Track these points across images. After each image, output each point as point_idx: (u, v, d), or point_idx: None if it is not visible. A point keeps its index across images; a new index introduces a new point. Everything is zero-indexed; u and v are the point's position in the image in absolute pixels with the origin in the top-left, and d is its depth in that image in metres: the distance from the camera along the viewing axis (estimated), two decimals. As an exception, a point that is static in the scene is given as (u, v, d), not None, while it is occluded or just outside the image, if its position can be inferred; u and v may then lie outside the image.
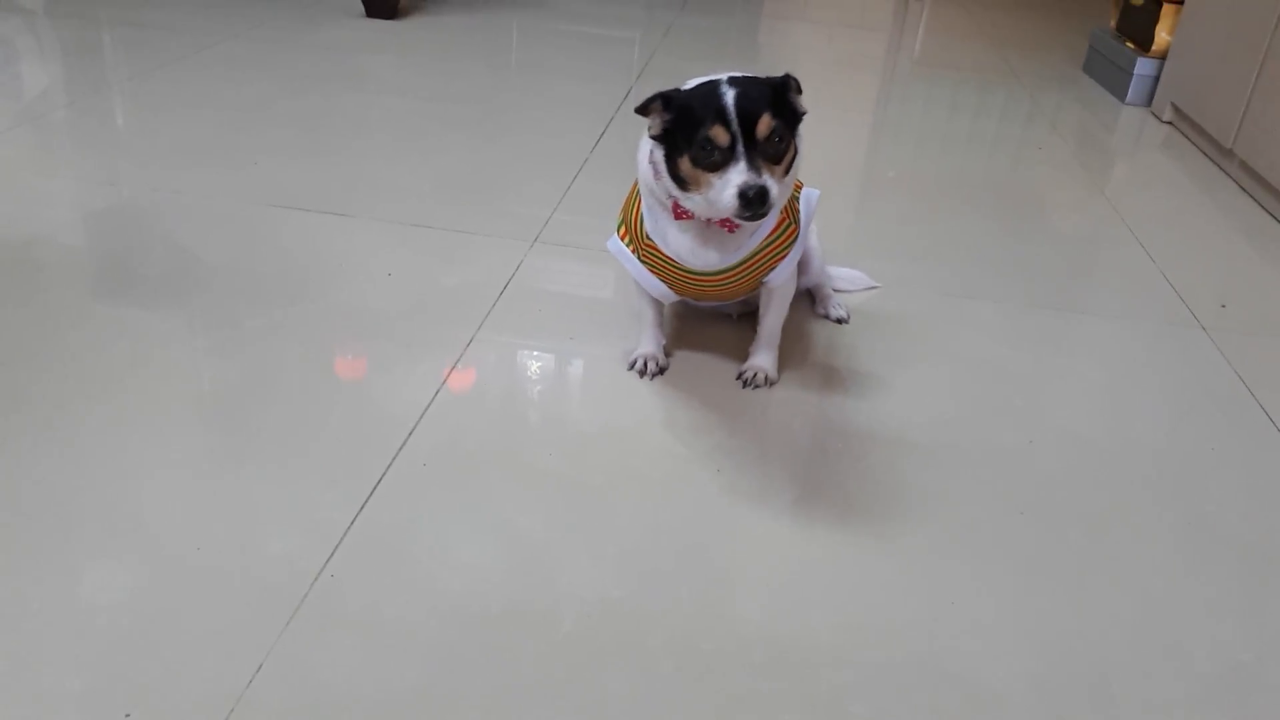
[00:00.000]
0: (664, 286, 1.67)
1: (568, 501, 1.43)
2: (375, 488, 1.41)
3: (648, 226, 1.61)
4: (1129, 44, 3.71)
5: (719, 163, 1.40)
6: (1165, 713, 1.16)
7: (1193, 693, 1.19)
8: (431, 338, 1.79)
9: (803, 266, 1.91)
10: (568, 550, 1.34)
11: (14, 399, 1.55)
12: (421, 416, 1.57)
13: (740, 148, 1.39)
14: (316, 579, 1.25)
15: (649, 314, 1.74)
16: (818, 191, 1.69)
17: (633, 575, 1.30)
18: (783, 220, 1.59)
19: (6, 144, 2.51)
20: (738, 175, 1.38)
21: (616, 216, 1.71)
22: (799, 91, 1.47)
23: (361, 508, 1.37)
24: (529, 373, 1.74)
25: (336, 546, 1.30)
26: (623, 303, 1.92)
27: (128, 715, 1.07)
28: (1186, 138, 3.29)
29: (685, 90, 1.46)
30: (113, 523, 1.33)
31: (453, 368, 1.70)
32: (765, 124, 1.39)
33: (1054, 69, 4.12)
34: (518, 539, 1.35)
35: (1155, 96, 3.54)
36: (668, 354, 1.77)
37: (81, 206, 2.21)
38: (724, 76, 1.44)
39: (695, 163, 1.41)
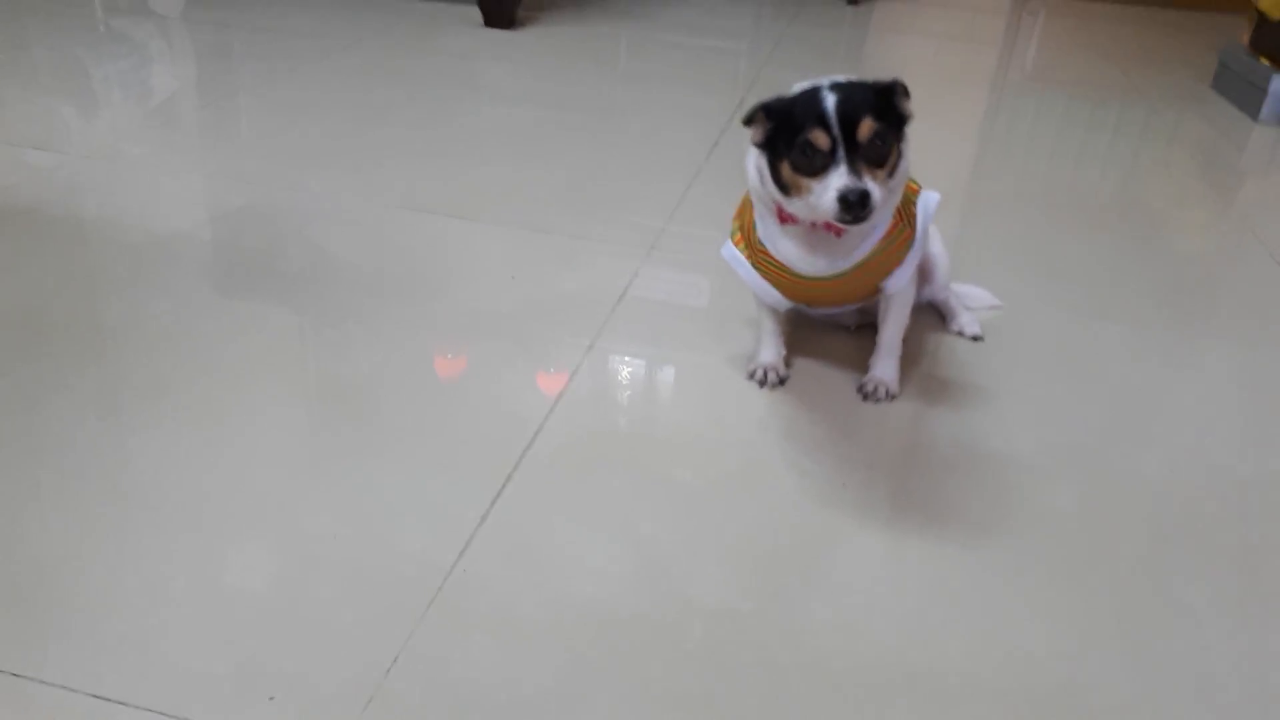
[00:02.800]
0: (777, 293, 1.66)
1: (692, 510, 1.42)
2: (504, 486, 1.43)
3: (759, 232, 1.60)
4: (1264, 60, 3.57)
5: (819, 167, 1.39)
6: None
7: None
8: (553, 340, 1.81)
9: (926, 276, 1.88)
10: (695, 559, 1.33)
11: (157, 387, 1.61)
12: (546, 419, 1.58)
13: (840, 151, 1.38)
14: (449, 574, 1.27)
15: (768, 323, 1.73)
16: (938, 195, 1.66)
17: (761, 589, 1.29)
18: (896, 224, 1.56)
19: (144, 143, 2.61)
20: (838, 179, 1.37)
21: (731, 224, 1.71)
22: (906, 95, 1.45)
23: (491, 505, 1.39)
24: (648, 379, 1.75)
25: (468, 542, 1.32)
26: (737, 311, 1.91)
27: (272, 698, 1.09)
28: (1325, 159, 3.14)
29: (787, 97, 1.46)
30: (252, 510, 1.37)
31: (575, 370, 1.71)
32: (867, 127, 1.38)
33: (1179, 86, 3.99)
34: (644, 544, 1.35)
35: (1291, 116, 3.40)
36: (788, 364, 1.76)
37: (218, 203, 2.29)
38: (827, 81, 1.43)
39: (796, 168, 1.42)
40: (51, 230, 2.08)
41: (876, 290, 1.66)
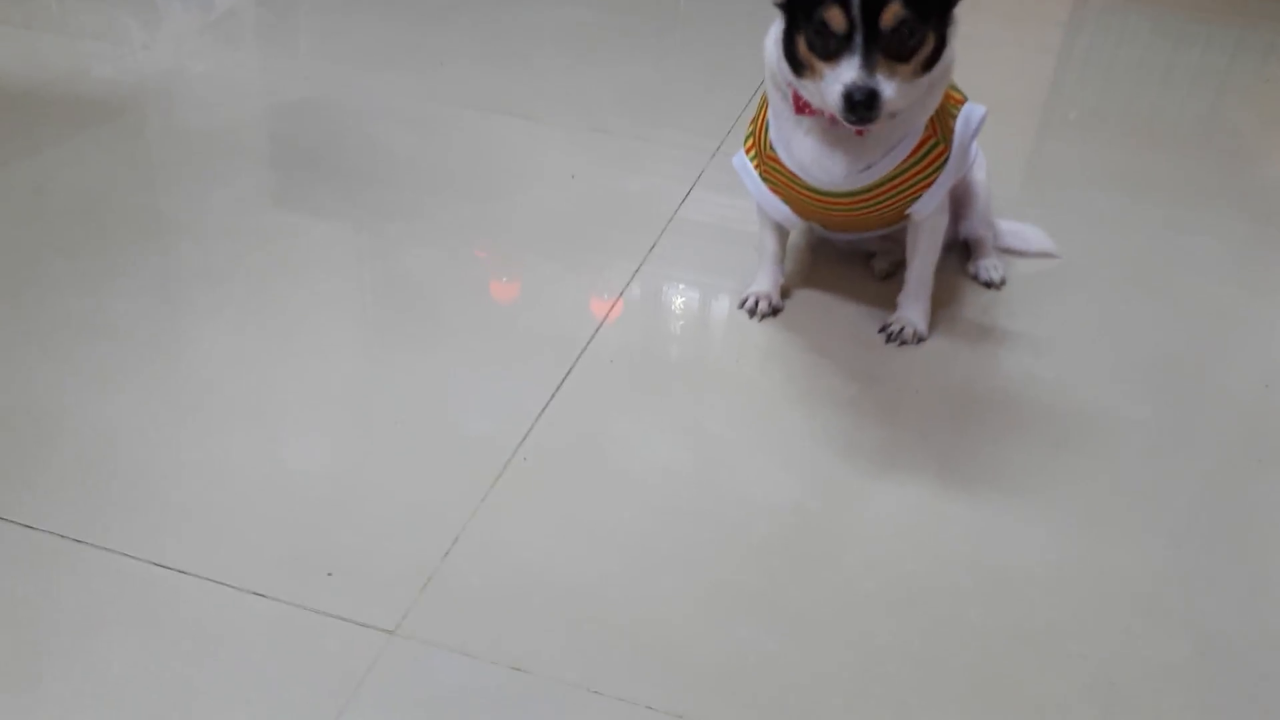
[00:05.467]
0: (787, 209, 1.49)
1: (758, 411, 1.39)
2: (565, 377, 1.41)
3: (772, 134, 1.42)
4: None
5: (834, 52, 1.21)
6: None
7: None
8: (614, 242, 1.77)
9: (962, 209, 1.65)
10: (759, 457, 1.30)
11: (216, 276, 1.60)
12: (606, 316, 1.55)
13: (858, 38, 1.19)
14: (510, 461, 1.25)
15: (770, 245, 1.57)
16: (983, 109, 1.44)
17: (827, 490, 1.26)
18: (928, 138, 1.37)
19: (205, 40, 2.59)
20: (848, 71, 1.20)
21: (745, 129, 1.55)
22: None
23: (553, 395, 1.37)
24: (708, 284, 1.70)
25: (529, 431, 1.30)
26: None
27: (330, 574, 1.09)
28: None
29: None
30: (314, 395, 1.36)
31: (635, 271, 1.68)
32: (893, 12, 1.18)
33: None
34: (706, 440, 1.33)
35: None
36: (785, 294, 1.62)
37: (278, 99, 2.26)
38: None
39: (810, 47, 1.24)
40: (114, 122, 2.07)
41: (902, 216, 1.47)
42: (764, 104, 1.46)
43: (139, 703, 0.95)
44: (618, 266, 1.69)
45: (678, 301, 1.64)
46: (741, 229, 1.77)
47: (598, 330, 1.52)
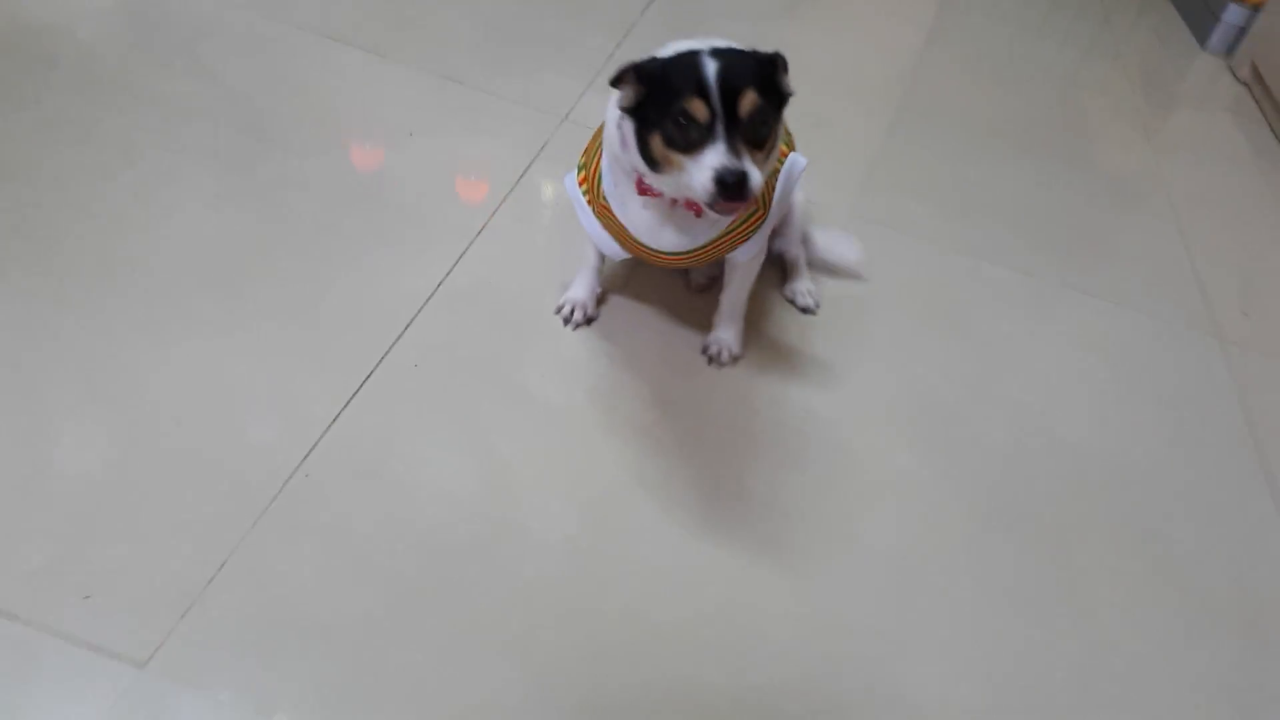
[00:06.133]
0: (615, 246, 1.52)
1: (552, 435, 1.43)
2: (364, 382, 1.41)
3: (605, 186, 1.45)
4: (1225, -15, 3.48)
5: (695, 141, 1.25)
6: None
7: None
8: (441, 218, 1.75)
9: (779, 228, 1.74)
10: (544, 487, 1.35)
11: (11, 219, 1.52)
12: (419, 311, 1.55)
13: (720, 127, 1.24)
14: (290, 477, 1.27)
15: (591, 258, 1.61)
16: (804, 161, 1.52)
17: (600, 527, 1.32)
18: (751, 203, 1.41)
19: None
20: (715, 157, 1.23)
21: (579, 158, 1.55)
22: (785, 70, 1.32)
23: (348, 402, 1.38)
24: (531, 281, 1.70)
25: (314, 445, 1.31)
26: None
27: (87, 597, 1.10)
28: (1259, 105, 3.13)
29: (661, 59, 1.31)
30: (90, 382, 1.33)
31: (459, 257, 1.67)
32: (750, 101, 1.24)
33: (1142, -7, 3.88)
34: (495, 465, 1.36)
35: (1238, 50, 3.35)
36: (600, 302, 1.67)
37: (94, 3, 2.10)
38: (706, 46, 1.29)
39: (669, 142, 1.27)
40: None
41: (722, 258, 1.55)
42: (598, 145, 1.47)
43: None
44: (442, 250, 1.68)
45: (496, 299, 1.64)
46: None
47: (407, 328, 1.52)
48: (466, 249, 1.68)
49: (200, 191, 1.67)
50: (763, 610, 1.27)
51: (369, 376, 1.42)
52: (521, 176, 1.89)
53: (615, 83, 1.30)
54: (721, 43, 1.32)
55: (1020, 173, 2.39)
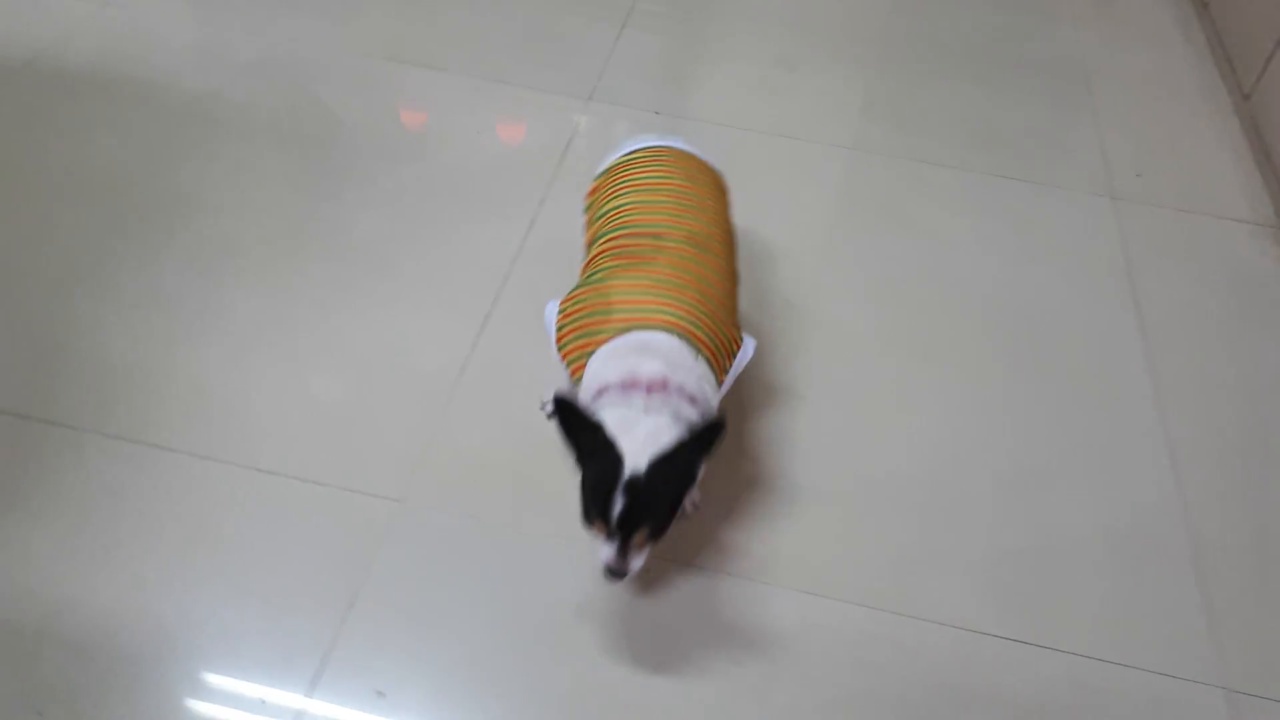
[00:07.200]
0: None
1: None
2: (486, 320, 2.09)
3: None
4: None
5: (594, 522, 1.37)
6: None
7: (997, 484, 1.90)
8: (513, 195, 2.40)
9: None
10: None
11: (229, 248, 2.20)
12: (512, 264, 2.22)
13: (616, 539, 1.35)
14: (459, 378, 1.96)
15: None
16: (753, 346, 1.59)
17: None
18: None
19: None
20: (606, 552, 1.36)
21: (565, 302, 1.60)
22: (720, 441, 1.35)
23: (480, 332, 2.06)
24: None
25: (468, 359, 2.00)
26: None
27: (345, 464, 1.81)
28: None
29: (589, 434, 1.34)
30: (318, 342, 2.03)
31: (531, 222, 2.32)
32: (642, 535, 1.34)
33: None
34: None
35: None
36: None
37: (232, 58, 2.75)
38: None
39: (581, 497, 1.38)
40: (104, 92, 2.57)
41: None
42: (580, 310, 1.54)
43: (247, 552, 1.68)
44: (518, 216, 2.34)
45: (568, 251, 2.30)
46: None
47: (506, 279, 2.19)
48: (536, 215, 2.34)
49: (345, 202, 2.34)
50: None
51: (488, 315, 2.10)
52: (565, 151, 2.53)
53: (551, 413, 1.56)
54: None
55: (963, 83, 2.97)
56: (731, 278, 1.64)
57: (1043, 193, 2.58)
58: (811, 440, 1.92)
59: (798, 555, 1.74)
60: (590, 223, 1.73)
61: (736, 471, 1.85)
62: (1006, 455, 1.94)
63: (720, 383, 1.50)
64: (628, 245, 1.57)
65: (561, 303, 1.57)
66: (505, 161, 2.51)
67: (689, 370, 1.41)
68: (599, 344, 1.45)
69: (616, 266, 1.55)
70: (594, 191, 1.79)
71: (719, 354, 1.49)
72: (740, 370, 1.56)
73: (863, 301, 2.23)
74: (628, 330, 1.44)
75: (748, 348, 1.57)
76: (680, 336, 1.44)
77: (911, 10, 3.32)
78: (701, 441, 1.33)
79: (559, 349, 1.53)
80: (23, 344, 1.96)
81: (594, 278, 1.56)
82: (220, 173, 2.39)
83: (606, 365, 1.42)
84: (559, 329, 1.54)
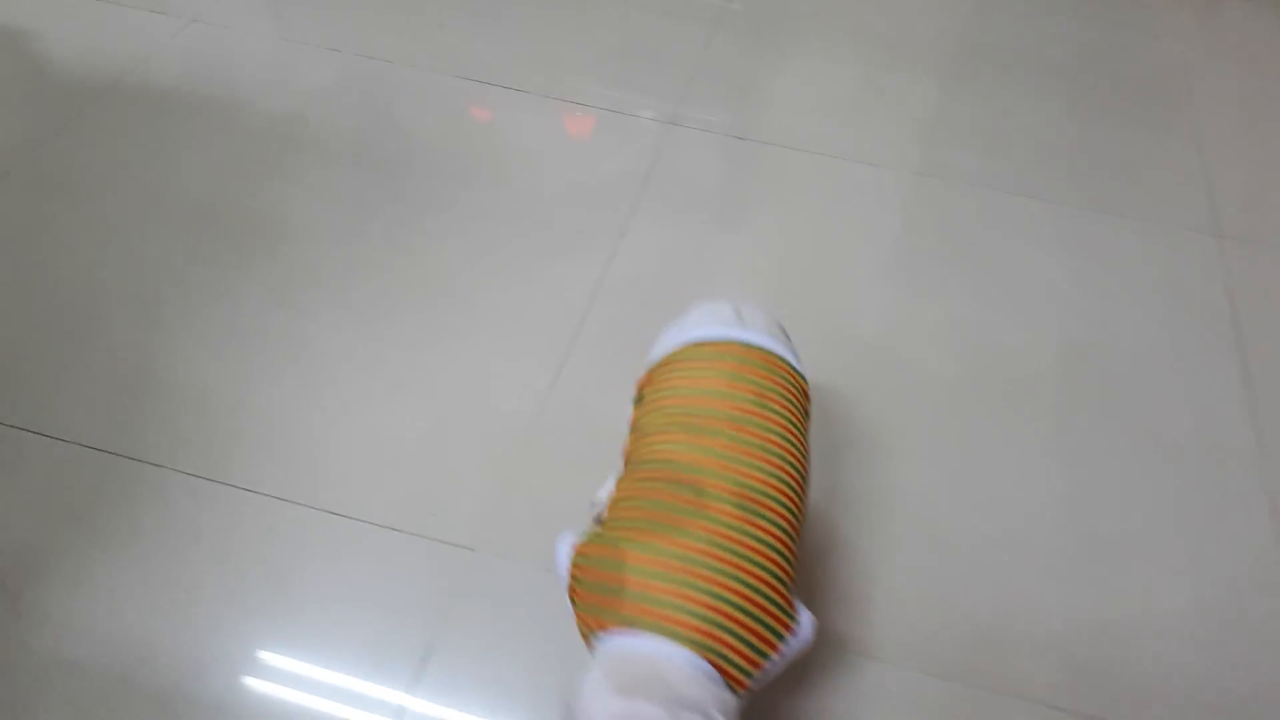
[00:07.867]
0: None
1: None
2: (566, 357, 2.07)
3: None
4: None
5: None
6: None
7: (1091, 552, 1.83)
8: (592, 226, 2.37)
9: None
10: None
11: (311, 278, 2.21)
12: (591, 301, 2.20)
13: None
14: (537, 416, 1.95)
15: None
16: (810, 632, 1.33)
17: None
18: None
19: (222, 10, 3.03)
20: None
21: (585, 545, 1.39)
22: None
23: (558, 374, 2.04)
24: (679, 268, 2.32)
25: (545, 400, 1.99)
26: (754, 176, 2.46)
27: (432, 514, 1.80)
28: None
29: None
30: (393, 380, 2.03)
31: (611, 256, 2.30)
32: None
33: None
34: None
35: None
36: None
37: (313, 79, 2.76)
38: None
39: None
40: (188, 110, 2.60)
41: None
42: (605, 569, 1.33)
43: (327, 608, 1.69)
44: (597, 249, 2.31)
45: (654, 278, 2.27)
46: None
47: (589, 310, 2.17)
48: (615, 248, 2.32)
49: (423, 230, 2.34)
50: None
51: (569, 354, 2.09)
52: (646, 179, 2.50)
53: None
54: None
55: (1056, 105, 2.86)
56: (790, 537, 1.36)
57: (1138, 229, 2.48)
58: (874, 496, 1.87)
59: (873, 622, 1.69)
60: (634, 424, 1.52)
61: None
62: (1091, 518, 1.87)
63: (750, 684, 1.29)
64: (660, 495, 1.34)
65: (574, 552, 1.40)
66: (585, 189, 2.48)
67: (695, 706, 1.20)
68: (604, 627, 1.28)
69: (640, 523, 1.33)
70: (643, 385, 1.56)
71: (752, 650, 1.28)
72: (794, 658, 1.33)
73: (939, 346, 2.17)
74: (634, 625, 1.25)
75: (804, 631, 1.32)
76: (694, 648, 1.23)
77: (1000, 26, 3.20)
78: None
79: (570, 601, 1.38)
80: (105, 376, 1.99)
81: (612, 534, 1.36)
82: (300, 196, 2.40)
83: (596, 700, 1.22)
84: (571, 579, 1.38)
